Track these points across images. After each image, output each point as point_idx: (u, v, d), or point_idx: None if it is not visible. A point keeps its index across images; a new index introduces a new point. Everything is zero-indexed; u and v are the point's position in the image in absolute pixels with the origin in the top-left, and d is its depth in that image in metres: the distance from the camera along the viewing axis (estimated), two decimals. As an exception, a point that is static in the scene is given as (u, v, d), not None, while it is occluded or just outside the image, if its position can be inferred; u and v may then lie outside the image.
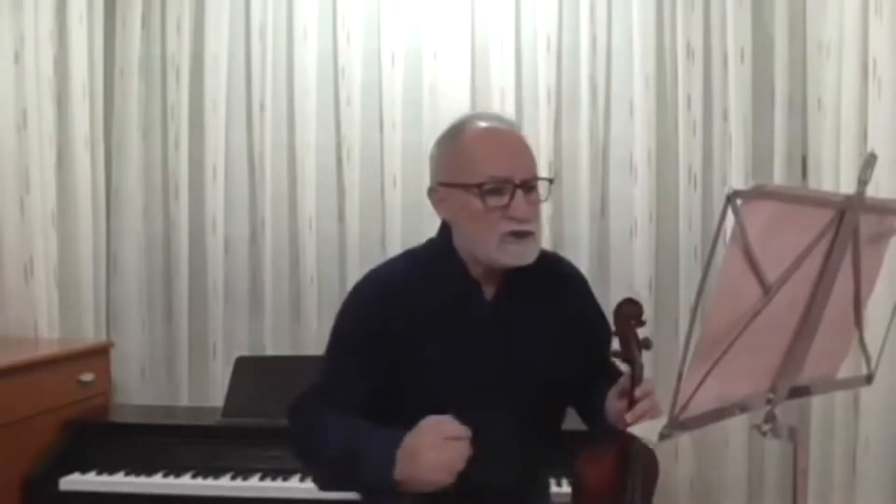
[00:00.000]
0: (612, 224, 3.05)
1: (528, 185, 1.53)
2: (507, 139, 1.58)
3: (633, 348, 1.52)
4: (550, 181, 1.61)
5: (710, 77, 2.99)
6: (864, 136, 2.67)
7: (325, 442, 1.48)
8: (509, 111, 2.99)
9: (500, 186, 1.51)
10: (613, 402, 1.53)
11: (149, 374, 3.17)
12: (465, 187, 1.52)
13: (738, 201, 0.98)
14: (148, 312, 3.17)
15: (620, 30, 3.02)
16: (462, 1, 3.03)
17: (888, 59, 2.62)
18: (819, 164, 2.85)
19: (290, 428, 1.58)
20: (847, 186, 2.58)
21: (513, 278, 1.60)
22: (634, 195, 2.99)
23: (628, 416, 1.45)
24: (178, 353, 3.12)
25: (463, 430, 1.38)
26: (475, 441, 1.40)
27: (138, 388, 3.15)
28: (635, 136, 2.98)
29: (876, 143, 2.59)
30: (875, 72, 2.64)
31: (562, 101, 3.04)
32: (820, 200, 1.11)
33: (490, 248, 1.53)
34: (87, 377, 2.78)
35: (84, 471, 2.53)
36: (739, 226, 0.98)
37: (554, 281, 1.69)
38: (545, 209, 2.97)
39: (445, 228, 1.65)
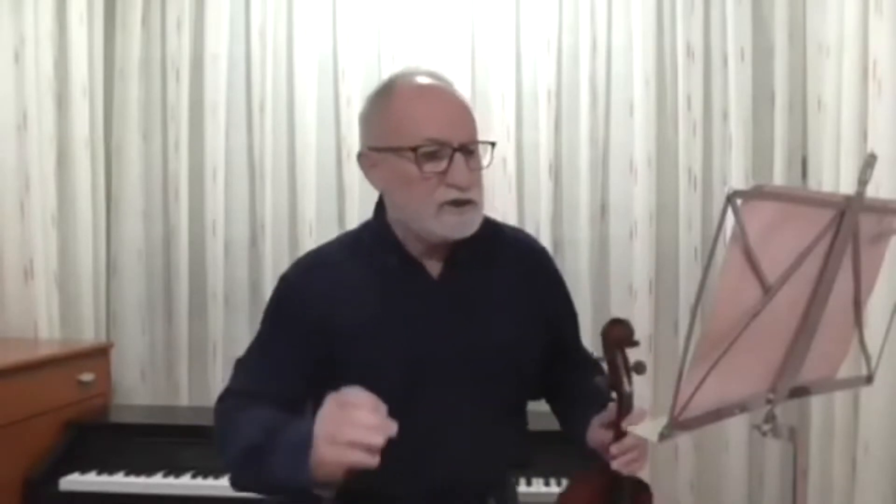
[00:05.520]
0: (612, 225, 3.05)
1: (468, 150, 1.37)
2: (445, 98, 1.40)
3: (622, 375, 1.36)
4: (492, 144, 1.43)
5: (710, 77, 2.99)
6: (864, 136, 2.67)
7: (240, 434, 1.31)
8: (509, 113, 3.00)
9: (436, 150, 1.34)
10: (597, 432, 1.40)
11: (149, 375, 3.17)
12: (399, 151, 1.35)
13: (738, 201, 0.97)
14: (148, 313, 3.17)
15: (620, 31, 3.02)
16: (462, 2, 3.03)
17: (888, 59, 2.61)
18: (819, 165, 2.85)
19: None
20: (847, 186, 2.58)
21: (460, 251, 1.44)
22: (634, 196, 2.99)
23: (613, 449, 1.33)
24: (178, 353, 3.12)
25: (366, 400, 1.15)
26: (428, 429, 1.30)
27: (138, 388, 3.15)
28: (635, 136, 2.98)
29: (876, 143, 2.59)
30: (875, 72, 2.64)
31: (562, 102, 3.04)
32: (820, 201, 1.10)
33: (426, 218, 1.36)
34: (87, 377, 2.78)
35: (84, 471, 2.53)
36: (739, 226, 0.98)
37: (508, 251, 1.53)
38: (545, 210, 3.01)
39: (381, 206, 1.48)
